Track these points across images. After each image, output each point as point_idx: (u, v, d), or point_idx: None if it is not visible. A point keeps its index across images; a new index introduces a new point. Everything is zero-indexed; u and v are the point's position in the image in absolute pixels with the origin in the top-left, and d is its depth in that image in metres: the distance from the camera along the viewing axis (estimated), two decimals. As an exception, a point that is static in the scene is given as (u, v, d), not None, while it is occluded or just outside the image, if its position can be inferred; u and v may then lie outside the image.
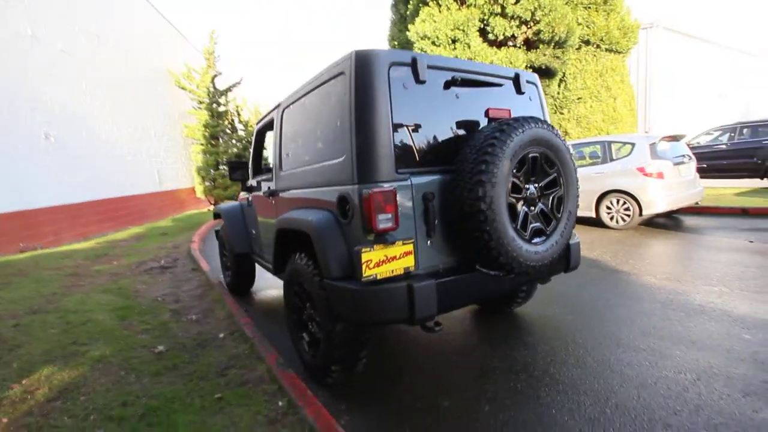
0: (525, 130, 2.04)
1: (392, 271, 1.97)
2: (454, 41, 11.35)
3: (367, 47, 2.13)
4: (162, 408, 2.21)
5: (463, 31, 11.14)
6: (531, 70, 11.60)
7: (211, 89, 14.31)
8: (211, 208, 15.46)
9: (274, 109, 3.24)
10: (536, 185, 2.18)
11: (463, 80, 2.33)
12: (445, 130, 2.24)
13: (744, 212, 6.43)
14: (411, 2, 12.70)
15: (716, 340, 2.69)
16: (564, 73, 12.47)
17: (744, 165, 10.04)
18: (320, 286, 2.24)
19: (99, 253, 7.18)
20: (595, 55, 12.54)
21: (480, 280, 2.18)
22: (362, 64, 2.01)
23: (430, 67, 2.19)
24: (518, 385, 2.33)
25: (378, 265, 1.93)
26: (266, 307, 4.20)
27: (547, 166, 2.19)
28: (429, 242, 2.11)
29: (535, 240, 2.17)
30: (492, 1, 10.89)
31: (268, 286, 4.90)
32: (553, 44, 11.22)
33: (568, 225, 2.30)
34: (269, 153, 3.19)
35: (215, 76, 14.45)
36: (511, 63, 11.32)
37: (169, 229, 10.50)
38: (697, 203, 6.48)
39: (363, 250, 1.90)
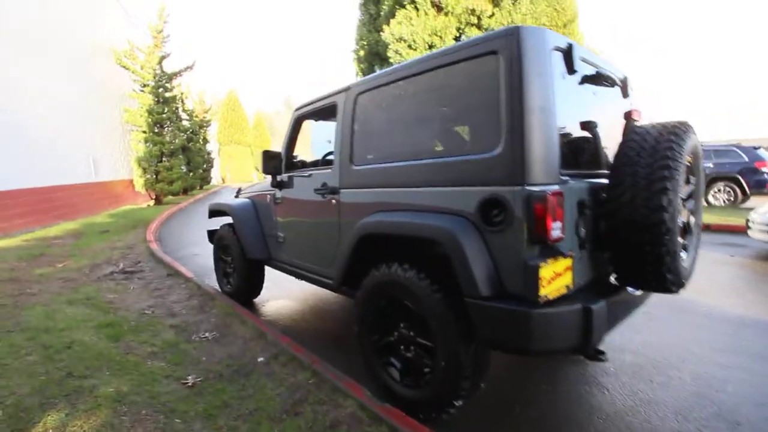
0: (692, 135, 1.88)
1: (558, 290, 1.69)
2: (430, 46, 11.34)
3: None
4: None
5: (440, 37, 11.17)
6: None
7: (158, 71, 12.81)
8: (151, 203, 13.83)
9: (335, 94, 2.78)
10: (683, 196, 2.04)
11: (595, 76, 2.13)
12: (589, 130, 2.02)
13: (708, 228, 7.09)
14: (385, 3, 12.51)
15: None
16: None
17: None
18: (446, 304, 1.88)
19: (33, 253, 5.92)
20: (554, 75, 13.33)
21: (625, 301, 1.99)
22: (531, 43, 1.72)
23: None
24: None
25: (549, 282, 1.64)
26: (287, 320, 3.66)
27: (690, 175, 2.07)
28: (579, 256, 1.87)
29: (682, 254, 2.02)
30: (469, 12, 11.07)
31: (272, 296, 4.32)
32: (523, 60, 11.67)
33: (699, 238, 2.20)
34: (334, 143, 2.72)
35: (163, 57, 12.97)
36: (484, 74, 11.56)
37: (110, 225, 9.11)
38: None
39: (540, 264, 1.59)
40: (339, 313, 3.97)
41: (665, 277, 1.80)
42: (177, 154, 14.03)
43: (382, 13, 12.87)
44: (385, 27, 11.93)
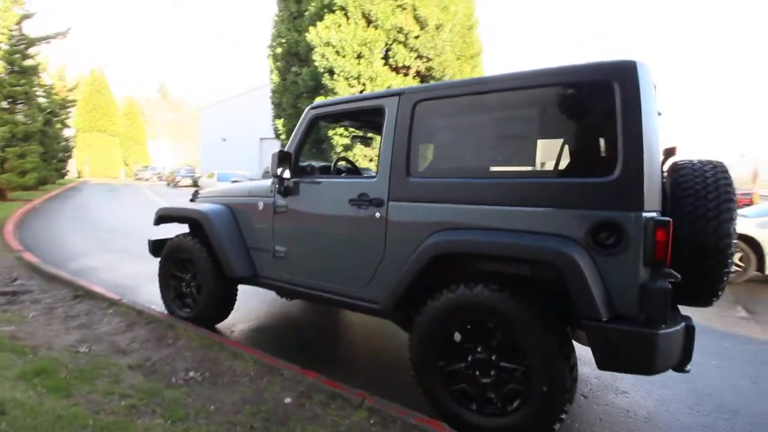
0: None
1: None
2: (359, 56, 11.34)
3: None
4: None
5: (370, 49, 11.29)
6: (421, 101, 12.59)
7: (17, 34, 10.10)
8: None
9: (379, 97, 2.53)
10: None
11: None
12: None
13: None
14: (311, 4, 12.10)
15: None
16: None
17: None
18: (547, 327, 1.84)
19: None
20: (462, 100, 14.58)
21: None
22: (646, 78, 1.81)
23: None
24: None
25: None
26: (272, 346, 3.13)
27: None
28: None
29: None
30: (397, 30, 11.42)
31: (237, 318, 3.70)
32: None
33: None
34: (381, 150, 2.43)
35: (25, 17, 10.28)
36: (407, 91, 12.01)
37: (-60, 228, 6.76)
38: None
39: (668, 286, 1.67)
40: (324, 329, 3.60)
41: (718, 294, 2.06)
42: (33, 138, 11.20)
43: (306, 13, 12.42)
44: (311, 29, 11.53)
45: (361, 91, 11.96)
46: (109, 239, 7.31)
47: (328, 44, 11.27)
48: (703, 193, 2.03)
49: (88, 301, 3.81)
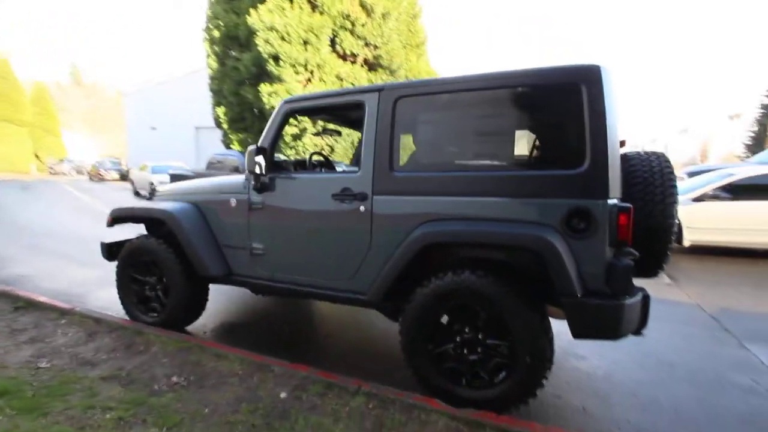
0: None
1: (629, 284, 2.06)
2: (306, 43, 11.06)
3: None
4: None
5: (317, 36, 11.05)
6: (369, 89, 12.62)
7: None
8: None
9: (359, 92, 2.55)
10: None
11: None
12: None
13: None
14: (252, -15, 11.49)
15: None
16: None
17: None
18: (528, 305, 2.05)
19: None
20: (409, 88, 14.77)
21: None
22: (608, 80, 2.03)
23: None
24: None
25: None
26: (250, 342, 3.10)
27: None
28: None
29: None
30: (344, 17, 11.26)
31: (208, 319, 3.59)
32: (389, 70, 12.55)
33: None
34: (363, 146, 2.45)
35: None
36: (356, 79, 11.98)
37: None
38: None
39: (631, 264, 1.93)
40: (297, 323, 3.61)
41: (663, 266, 2.40)
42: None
43: (247, -5, 11.79)
44: (252, 12, 10.99)
45: (309, 79, 11.70)
46: (39, 244, 6.58)
47: (272, 29, 10.83)
48: (651, 180, 2.33)
49: (32, 313, 3.47)
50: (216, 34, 13.12)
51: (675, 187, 2.30)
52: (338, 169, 3.60)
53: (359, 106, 2.57)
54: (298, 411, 2.13)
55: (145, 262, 3.21)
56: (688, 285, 4.91)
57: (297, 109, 2.83)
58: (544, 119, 2.17)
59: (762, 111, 23.88)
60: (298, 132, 11.90)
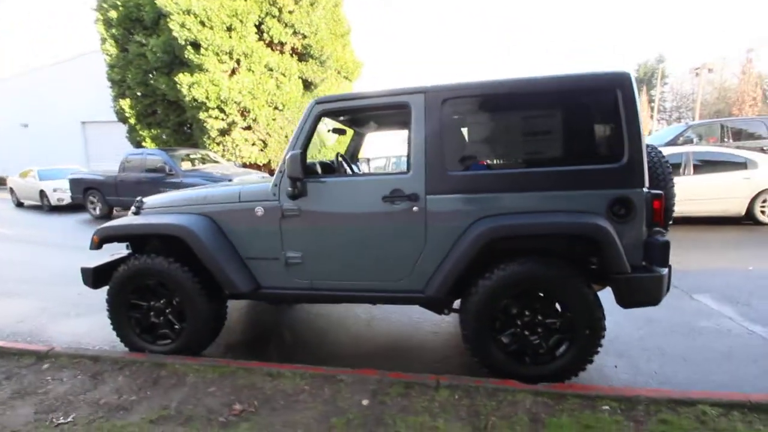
0: None
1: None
2: (229, 29, 10.25)
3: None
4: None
5: (242, 22, 10.33)
6: (300, 80, 12.20)
7: None
8: None
9: (402, 93, 2.55)
10: None
11: None
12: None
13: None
14: (159, -38, 10.18)
15: None
16: (317, 89, 13.77)
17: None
18: (585, 284, 2.34)
19: None
20: (336, 79, 14.55)
21: None
22: (635, 85, 2.36)
23: None
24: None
25: (666, 252, 2.39)
26: (278, 353, 2.95)
27: None
28: None
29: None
30: (270, 3, 10.66)
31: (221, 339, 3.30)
32: (319, 61, 12.24)
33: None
34: (412, 147, 2.45)
35: None
36: (287, 69, 11.50)
37: None
38: None
39: (667, 240, 2.31)
40: (306, 328, 3.53)
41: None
42: None
43: (154, -27, 10.43)
44: (163, -9, 9.80)
45: (234, 69, 10.90)
46: None
47: (189, 12, 9.80)
48: (654, 168, 2.77)
49: (15, 362, 2.83)
50: (113, 15, 11.43)
51: (671, 172, 2.77)
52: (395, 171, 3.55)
53: (402, 108, 2.59)
54: (390, 414, 2.15)
55: (151, 285, 2.84)
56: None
57: (330, 110, 2.73)
58: (586, 120, 2.44)
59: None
60: (226, 126, 11.05)
